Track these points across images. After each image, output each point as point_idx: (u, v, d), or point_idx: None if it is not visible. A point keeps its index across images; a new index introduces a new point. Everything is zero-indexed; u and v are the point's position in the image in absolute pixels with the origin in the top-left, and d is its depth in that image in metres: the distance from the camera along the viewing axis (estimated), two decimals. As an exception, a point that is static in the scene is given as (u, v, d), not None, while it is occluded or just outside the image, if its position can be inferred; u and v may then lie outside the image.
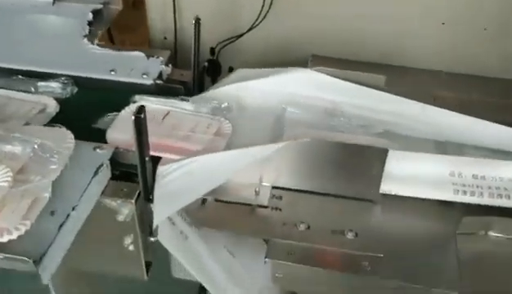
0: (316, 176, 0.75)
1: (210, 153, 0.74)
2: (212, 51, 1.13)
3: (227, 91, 0.87)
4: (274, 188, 0.76)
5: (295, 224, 0.71)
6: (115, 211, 0.74)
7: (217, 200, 0.74)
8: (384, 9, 1.03)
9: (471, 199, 0.72)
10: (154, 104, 0.84)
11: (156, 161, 0.75)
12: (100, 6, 1.08)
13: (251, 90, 0.86)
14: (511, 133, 0.78)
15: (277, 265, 0.68)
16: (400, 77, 0.95)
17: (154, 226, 0.71)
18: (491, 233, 0.72)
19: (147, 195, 0.74)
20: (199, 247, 0.71)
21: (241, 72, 0.92)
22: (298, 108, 0.83)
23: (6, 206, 0.62)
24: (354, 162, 0.72)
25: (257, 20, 1.06)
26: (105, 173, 0.74)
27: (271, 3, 1.05)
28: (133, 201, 0.73)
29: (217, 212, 0.73)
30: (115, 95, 0.87)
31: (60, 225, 0.64)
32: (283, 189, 0.76)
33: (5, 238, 0.59)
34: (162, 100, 0.85)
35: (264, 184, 0.76)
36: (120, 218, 0.74)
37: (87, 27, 1.03)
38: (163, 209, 0.71)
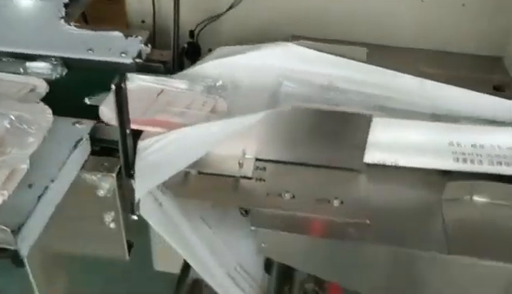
0: (299, 146, 0.74)
1: (191, 126, 0.72)
2: (191, 33, 1.11)
3: (213, 66, 0.85)
4: (258, 160, 0.75)
5: (280, 194, 0.70)
6: (96, 185, 0.72)
7: (200, 173, 0.73)
8: (362, -12, 1.03)
9: (471, 167, 0.72)
10: (147, 83, 0.83)
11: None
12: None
13: (240, 65, 0.85)
14: (507, 104, 0.78)
15: (263, 234, 0.67)
16: (381, 56, 0.95)
17: (136, 200, 0.69)
18: (476, 198, 0.72)
19: (128, 171, 0.72)
20: (178, 219, 0.70)
21: (222, 50, 0.91)
22: (294, 82, 0.82)
23: (-17, 177, 0.61)
24: (338, 131, 0.72)
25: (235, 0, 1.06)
26: (85, 147, 0.72)
27: (249, -17, 1.04)
28: (114, 175, 0.71)
29: (201, 184, 0.72)
30: (106, 76, 0.85)
31: (39, 197, 0.62)
32: (267, 160, 0.75)
33: (-18, 208, 0.57)
34: (155, 78, 0.84)
35: (248, 156, 0.75)
36: (101, 193, 0.72)
37: (63, 9, 1.00)
38: (144, 183, 0.70)
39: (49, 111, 0.73)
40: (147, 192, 0.70)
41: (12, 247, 0.58)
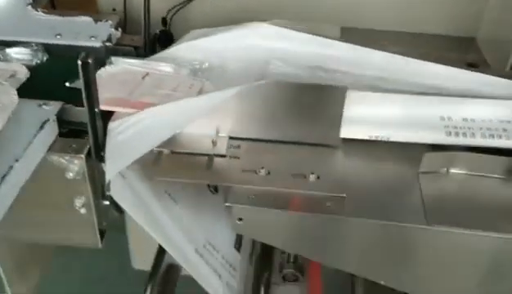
0: (274, 123, 0.72)
1: (162, 105, 0.71)
2: (163, 21, 1.10)
3: (186, 48, 0.83)
4: (232, 138, 0.74)
5: (255, 171, 0.68)
6: (64, 168, 0.70)
7: (173, 152, 0.71)
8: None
9: (463, 140, 0.71)
10: (132, 66, 0.80)
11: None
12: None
13: (217, 47, 0.83)
14: (492, 80, 0.77)
15: (238, 211, 0.65)
16: (354, 39, 0.94)
17: (106, 181, 0.67)
18: (454, 171, 0.71)
19: (98, 153, 0.70)
20: (148, 198, 0.68)
21: (195, 32, 0.89)
22: (282, 62, 0.80)
23: None
24: (313, 105, 0.70)
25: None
26: (52, 128, 0.70)
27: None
28: (83, 156, 0.69)
29: (173, 163, 0.70)
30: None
31: (3, 177, 0.60)
32: (241, 139, 0.74)
33: None
34: (140, 61, 0.82)
35: (221, 134, 0.73)
36: (70, 176, 0.70)
37: (30, -5, 0.98)
38: (115, 164, 0.68)
39: (14, 92, 0.70)
40: (118, 173, 0.67)
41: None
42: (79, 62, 0.63)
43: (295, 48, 0.82)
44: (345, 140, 0.73)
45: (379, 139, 0.72)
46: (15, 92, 0.70)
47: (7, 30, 0.88)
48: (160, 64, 0.82)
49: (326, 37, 0.82)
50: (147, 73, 0.80)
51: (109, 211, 0.76)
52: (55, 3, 1.07)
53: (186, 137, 0.73)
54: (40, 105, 0.71)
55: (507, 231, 0.64)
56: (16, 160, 0.62)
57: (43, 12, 0.94)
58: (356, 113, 0.72)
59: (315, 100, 0.70)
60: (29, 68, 0.80)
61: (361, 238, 0.66)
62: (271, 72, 0.78)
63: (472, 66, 0.90)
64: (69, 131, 0.74)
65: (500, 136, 0.71)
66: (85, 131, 0.70)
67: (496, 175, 0.71)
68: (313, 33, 0.82)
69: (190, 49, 0.85)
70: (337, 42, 0.81)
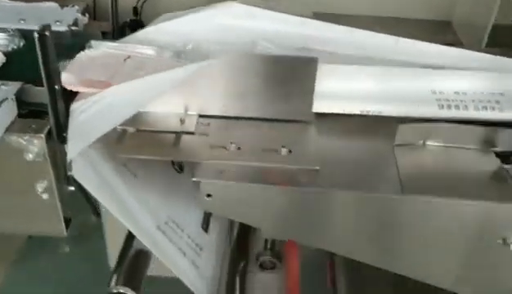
0: (244, 99, 0.70)
1: (126, 82, 0.68)
2: (135, 10, 1.07)
3: (160, 29, 0.81)
4: (201, 116, 0.71)
5: (224, 147, 0.66)
6: (23, 149, 0.66)
7: (139, 130, 0.68)
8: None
9: (456, 113, 0.69)
10: (113, 50, 0.78)
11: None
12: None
13: (198, 27, 0.80)
14: (479, 56, 0.76)
15: (206, 186, 0.62)
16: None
17: (68, 160, 0.64)
18: (430, 143, 0.69)
19: (60, 133, 0.67)
20: (111, 177, 0.64)
21: (167, 15, 0.87)
22: (270, 43, 0.78)
23: None
24: (284, 78, 0.68)
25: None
26: (10, 108, 0.67)
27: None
28: (43, 135, 0.66)
29: (138, 141, 0.67)
30: (68, 45, 0.80)
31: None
32: (211, 116, 0.71)
33: None
34: (121, 45, 0.79)
35: (190, 113, 0.71)
36: (29, 157, 0.67)
37: (-7, -17, 0.95)
38: (76, 143, 0.64)
39: (-30, 72, 0.67)
40: (80, 152, 0.64)
41: None
42: (36, 35, 0.61)
43: (275, 28, 0.79)
44: (319, 115, 0.71)
45: (370, 113, 0.70)
46: (-28, 72, 0.67)
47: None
48: (142, 47, 0.79)
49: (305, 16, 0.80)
50: (129, 56, 0.77)
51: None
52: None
53: (153, 116, 0.70)
54: (-2, 85, 0.68)
55: (483, 198, 0.61)
56: (-30, 138, 0.58)
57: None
58: (329, 87, 0.70)
59: (285, 73, 0.68)
60: (5, 53, 0.78)
61: (337, 212, 0.64)
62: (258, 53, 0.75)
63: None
64: (29, 113, 0.71)
65: (493, 108, 0.70)
66: (47, 113, 0.67)
67: (472, 147, 0.69)
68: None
69: (159, 31, 0.82)
70: (318, 22, 0.79)
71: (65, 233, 0.74)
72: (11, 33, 0.82)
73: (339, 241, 0.66)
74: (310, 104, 0.70)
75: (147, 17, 1.08)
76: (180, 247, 0.67)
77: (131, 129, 0.68)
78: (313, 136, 0.69)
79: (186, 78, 0.67)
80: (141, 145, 0.66)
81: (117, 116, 0.65)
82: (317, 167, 0.64)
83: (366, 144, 0.69)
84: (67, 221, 0.74)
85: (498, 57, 0.75)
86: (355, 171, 0.65)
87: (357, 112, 0.70)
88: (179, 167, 0.72)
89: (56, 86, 0.65)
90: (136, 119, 0.68)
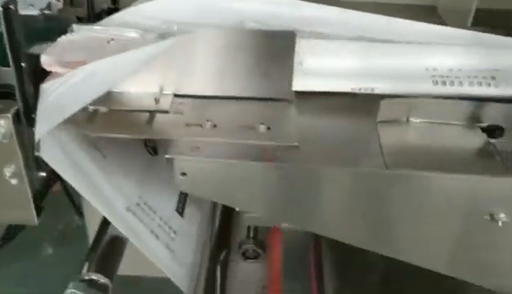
0: (221, 76, 0.67)
1: (95, 61, 0.65)
2: (113, -1, 1.04)
3: (138, 11, 0.78)
4: (177, 96, 0.68)
5: (200, 124, 0.63)
6: (-11, 130, 0.63)
7: (111, 110, 0.65)
8: None
9: (451, 89, 0.67)
10: (95, 33, 0.75)
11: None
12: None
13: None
14: (472, 34, 0.74)
15: (181, 163, 0.59)
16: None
17: (36, 140, 0.61)
18: (413, 119, 0.67)
19: (29, 115, 0.64)
20: (80, 158, 0.61)
21: None
22: (259, 23, 0.75)
23: None
24: (262, 54, 0.66)
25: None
26: (-25, 89, 0.64)
27: None
28: (9, 115, 0.63)
29: (110, 120, 0.64)
30: (48, 27, 0.79)
31: None
32: (187, 96, 0.68)
33: None
34: (104, 28, 0.76)
35: (166, 92, 0.68)
36: (-5, 138, 0.63)
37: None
38: (45, 123, 0.61)
39: None
40: (48, 133, 0.61)
41: None
42: (0, 8, 0.58)
43: (264, 9, 0.76)
44: (301, 94, 0.68)
45: (362, 91, 0.68)
46: None
47: None
48: (125, 30, 0.76)
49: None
50: (112, 39, 0.74)
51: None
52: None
53: (127, 96, 0.67)
54: (-39, 65, 0.65)
55: (470, 172, 0.59)
56: None
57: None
58: (311, 63, 0.68)
59: (263, 49, 0.66)
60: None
61: (317, 190, 0.61)
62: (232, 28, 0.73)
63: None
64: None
65: (488, 84, 0.68)
66: (14, 94, 0.64)
67: (457, 122, 0.67)
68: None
69: (140, 13, 0.80)
70: (309, 3, 0.76)
71: (35, 221, 0.71)
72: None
73: (322, 221, 0.64)
74: (289, 82, 0.67)
75: (126, 6, 1.05)
76: (152, 229, 0.64)
77: (103, 109, 0.65)
78: (293, 115, 0.67)
79: (160, 56, 0.64)
80: (112, 124, 0.63)
81: (87, 95, 0.63)
82: (297, 144, 0.61)
83: (348, 122, 0.67)
84: (38, 209, 0.71)
85: (492, 35, 0.73)
86: (336, 148, 0.63)
87: (348, 89, 0.68)
88: (153, 150, 0.69)
89: (23, 64, 0.62)
90: (108, 99, 0.66)
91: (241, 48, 0.65)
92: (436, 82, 0.68)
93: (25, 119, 0.64)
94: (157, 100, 0.67)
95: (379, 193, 0.61)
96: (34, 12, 0.82)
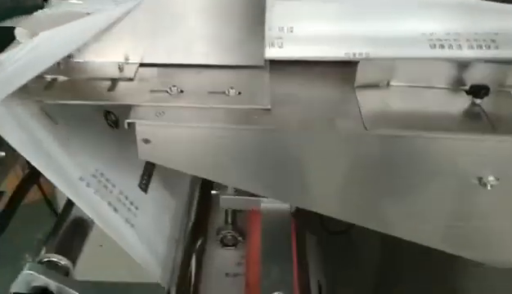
0: (187, 42, 0.63)
1: (54, 28, 0.61)
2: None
3: None
4: (143, 65, 0.64)
5: (166, 91, 0.59)
6: None
7: (70, 79, 0.61)
8: None
9: (450, 53, 0.64)
10: (75, 8, 0.71)
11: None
12: None
13: None
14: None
15: (144, 129, 0.55)
16: None
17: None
18: (394, 83, 0.63)
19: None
20: (36, 128, 0.57)
21: None
22: None
23: None
24: (230, 16, 0.62)
25: None
26: None
27: None
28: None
29: (68, 88, 0.60)
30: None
31: None
32: (154, 65, 0.64)
33: None
34: (83, 3, 0.72)
35: (131, 61, 0.64)
36: None
37: None
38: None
39: None
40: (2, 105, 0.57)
41: None
42: None
43: None
44: (276, 63, 0.64)
45: (356, 57, 0.64)
46: None
47: None
48: (104, 5, 0.72)
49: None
50: (88, 13, 0.70)
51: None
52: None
53: (89, 65, 0.63)
54: None
55: (456, 132, 0.55)
56: None
57: None
58: (285, 28, 0.64)
59: (231, 11, 0.61)
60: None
61: (292, 156, 0.57)
62: None
63: None
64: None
65: (488, 47, 0.64)
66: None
67: (441, 86, 0.63)
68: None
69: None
70: None
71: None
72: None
73: (297, 191, 0.59)
74: (261, 48, 0.63)
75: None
76: (109, 201, 0.59)
77: (62, 78, 0.61)
78: (266, 81, 0.63)
79: (124, 22, 0.60)
80: (70, 92, 0.59)
81: (43, 62, 0.58)
82: (269, 107, 0.57)
83: (324, 89, 0.63)
84: (-2, 192, 0.66)
85: (490, 2, 0.70)
86: (311, 112, 0.58)
87: (341, 55, 0.64)
88: (114, 123, 0.65)
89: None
90: (68, 68, 0.61)
91: (208, 11, 0.61)
92: (434, 46, 0.64)
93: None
94: (121, 69, 0.62)
95: (358, 159, 0.56)
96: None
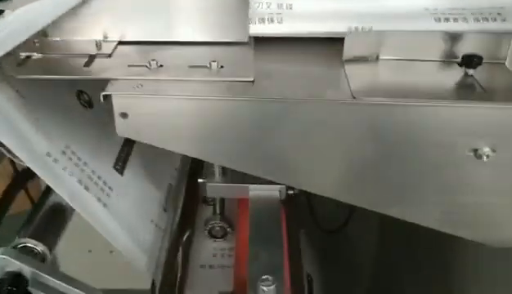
0: (167, 19, 0.61)
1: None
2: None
3: None
4: (122, 43, 0.62)
5: (145, 65, 0.56)
6: None
7: (46, 56, 0.58)
8: None
9: (455, 26, 0.61)
10: None
11: None
12: None
13: None
14: None
15: (122, 102, 0.52)
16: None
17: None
18: (384, 57, 0.60)
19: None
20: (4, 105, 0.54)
21: None
22: None
23: None
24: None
25: None
26: None
27: None
28: None
29: (43, 64, 0.57)
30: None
31: None
32: (134, 42, 0.62)
33: None
34: None
35: (110, 39, 0.61)
36: None
37: None
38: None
39: None
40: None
41: None
42: None
43: None
44: (261, 39, 0.62)
45: (359, 30, 0.61)
46: None
47: None
48: None
49: None
50: None
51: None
52: None
53: (66, 43, 0.61)
54: None
55: (448, 100, 0.53)
56: None
57: None
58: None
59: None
60: None
61: (279, 129, 0.54)
62: None
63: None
64: None
65: (494, 19, 0.62)
66: None
67: (432, 59, 0.60)
68: None
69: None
70: None
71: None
72: None
73: (286, 167, 0.56)
74: (245, 24, 0.61)
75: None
76: (80, 178, 0.56)
77: (36, 55, 0.58)
78: (250, 56, 0.60)
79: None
80: (44, 68, 0.56)
81: (13, 38, 0.55)
82: (252, 79, 0.55)
83: (311, 63, 0.61)
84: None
85: None
86: (297, 84, 0.56)
87: (343, 30, 0.61)
88: (87, 103, 0.62)
89: None
90: (44, 46, 0.59)
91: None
92: (438, 19, 0.62)
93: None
94: (99, 47, 0.60)
95: (346, 131, 0.54)
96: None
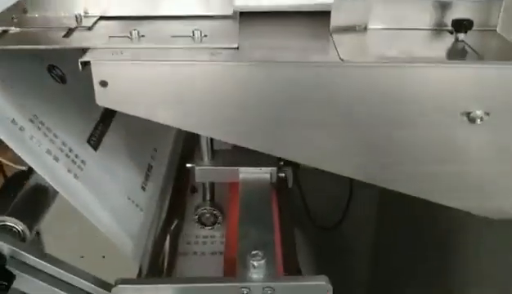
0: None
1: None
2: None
3: None
4: (104, 18, 0.60)
5: (127, 36, 0.55)
6: None
7: (24, 30, 0.57)
8: None
9: None
10: None
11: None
12: None
13: None
14: None
15: (101, 70, 0.50)
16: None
17: None
18: (372, 27, 0.59)
19: None
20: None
21: None
22: None
23: None
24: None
25: None
26: None
27: None
28: None
29: (20, 37, 0.55)
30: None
31: None
32: (116, 18, 0.60)
33: None
34: None
35: (91, 14, 0.60)
36: None
37: None
38: None
39: None
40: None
41: None
42: None
43: None
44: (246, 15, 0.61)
45: None
46: None
47: None
48: None
49: None
50: None
51: None
52: None
53: (45, 18, 0.59)
54: None
55: (439, 61, 0.51)
56: None
57: None
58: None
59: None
60: None
61: (265, 95, 0.52)
62: None
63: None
64: None
65: None
66: None
67: (422, 27, 0.59)
68: None
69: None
70: None
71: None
72: None
73: (271, 134, 0.54)
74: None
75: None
76: (48, 148, 0.55)
77: (14, 29, 0.56)
78: (235, 28, 0.59)
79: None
80: (21, 40, 0.54)
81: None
82: (236, 46, 0.53)
83: (298, 33, 0.59)
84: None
85: None
86: (283, 52, 0.54)
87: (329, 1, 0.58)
88: (59, 78, 0.61)
89: None
90: (22, 21, 0.57)
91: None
92: None
93: None
94: (79, 21, 0.58)
95: (333, 95, 0.52)
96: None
